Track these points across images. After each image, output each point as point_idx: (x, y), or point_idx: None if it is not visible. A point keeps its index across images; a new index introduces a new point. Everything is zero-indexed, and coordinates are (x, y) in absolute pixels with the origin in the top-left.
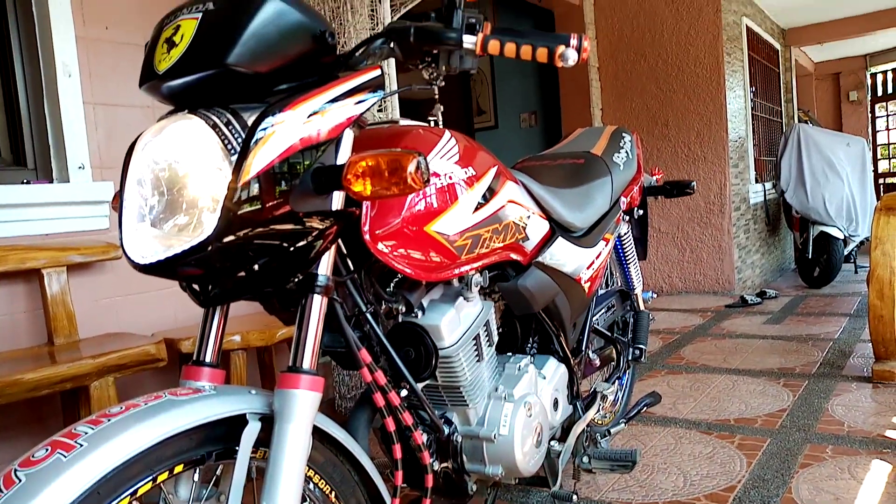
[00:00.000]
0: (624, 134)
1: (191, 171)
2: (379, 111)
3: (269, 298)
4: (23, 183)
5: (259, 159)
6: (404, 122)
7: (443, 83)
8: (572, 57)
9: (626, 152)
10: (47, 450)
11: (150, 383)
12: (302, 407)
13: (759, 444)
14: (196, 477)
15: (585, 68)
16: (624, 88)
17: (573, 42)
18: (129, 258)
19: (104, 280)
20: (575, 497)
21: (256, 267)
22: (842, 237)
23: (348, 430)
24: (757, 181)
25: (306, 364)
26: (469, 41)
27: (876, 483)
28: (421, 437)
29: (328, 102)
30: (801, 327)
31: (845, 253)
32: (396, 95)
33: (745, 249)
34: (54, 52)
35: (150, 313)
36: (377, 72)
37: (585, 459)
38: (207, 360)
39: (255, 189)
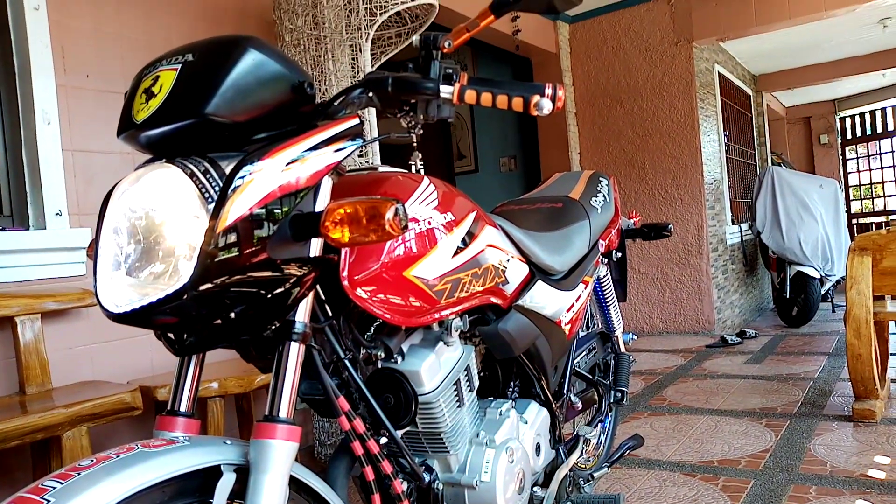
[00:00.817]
0: (601, 178)
1: (167, 219)
2: (360, 157)
3: (245, 346)
4: None
5: (237, 207)
6: (384, 168)
7: (421, 131)
8: (547, 106)
9: (604, 196)
10: None
11: (126, 432)
12: (278, 457)
13: (744, 485)
14: None
15: (563, 114)
16: (601, 133)
17: (548, 91)
18: (102, 307)
19: (79, 327)
20: None
21: (233, 315)
22: (818, 276)
23: (327, 479)
24: (733, 222)
25: (283, 413)
26: (446, 91)
27: None
28: (401, 486)
29: (307, 151)
30: (781, 367)
31: (822, 292)
32: (377, 142)
33: (723, 290)
34: (34, 99)
35: (126, 361)
36: (356, 120)
37: None
38: (182, 409)
39: (232, 237)
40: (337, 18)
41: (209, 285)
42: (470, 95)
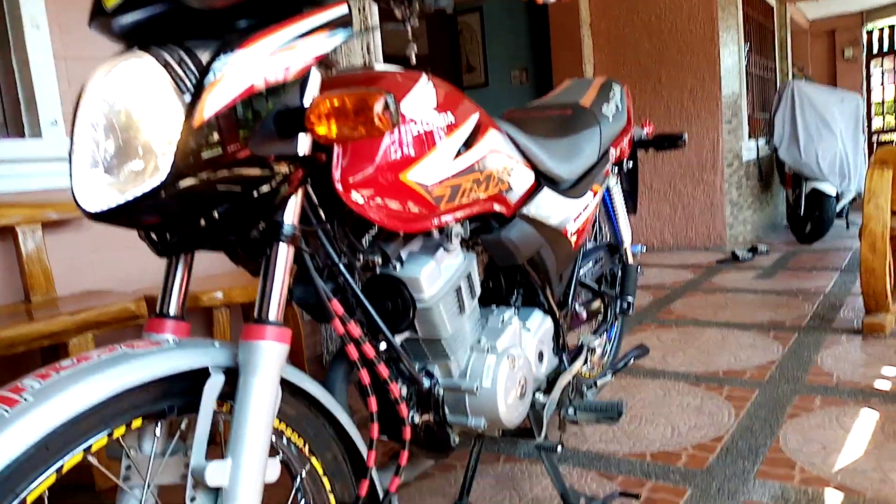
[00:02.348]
0: (614, 85)
1: (143, 112)
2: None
3: (233, 248)
4: None
5: (214, 99)
6: (381, 66)
7: (416, 23)
8: None
9: (616, 104)
10: None
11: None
12: (268, 359)
13: (748, 395)
14: (159, 431)
15: (577, 24)
16: (616, 44)
17: None
18: (80, 206)
19: (82, 237)
20: (560, 448)
21: (216, 214)
22: (834, 193)
23: (326, 384)
24: (750, 138)
25: (272, 315)
26: None
27: (863, 432)
28: (398, 390)
29: (290, 39)
30: (792, 282)
31: (837, 209)
32: (380, 50)
33: (737, 206)
34: (20, 3)
35: (131, 270)
36: (343, 8)
37: (571, 411)
38: (171, 312)
39: (212, 131)
40: None
41: (189, 182)
42: None
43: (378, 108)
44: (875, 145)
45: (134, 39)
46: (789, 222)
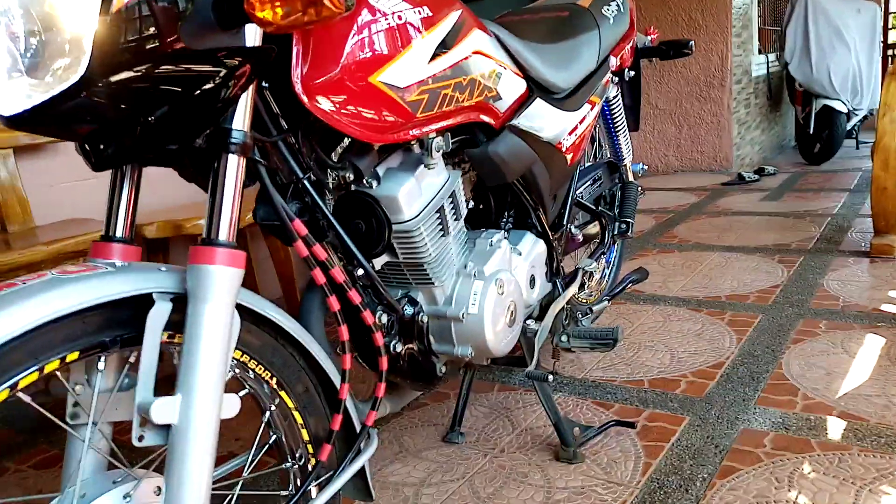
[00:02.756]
0: None
1: (56, 1)
2: None
3: (180, 162)
4: None
5: None
6: None
7: None
8: None
9: (618, 5)
10: None
11: None
12: (219, 284)
13: (751, 320)
14: (102, 365)
15: None
16: None
17: None
18: None
19: (59, 163)
20: (551, 377)
21: (153, 119)
22: (845, 111)
23: (300, 314)
24: (760, 52)
25: (222, 235)
26: None
27: (868, 357)
28: (371, 317)
29: None
30: (798, 203)
31: (848, 128)
32: None
33: (744, 125)
34: None
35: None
36: None
37: (564, 338)
38: (118, 234)
39: (135, 18)
40: None
41: (112, 78)
42: None
43: None
44: (891, 59)
45: None
46: (798, 142)
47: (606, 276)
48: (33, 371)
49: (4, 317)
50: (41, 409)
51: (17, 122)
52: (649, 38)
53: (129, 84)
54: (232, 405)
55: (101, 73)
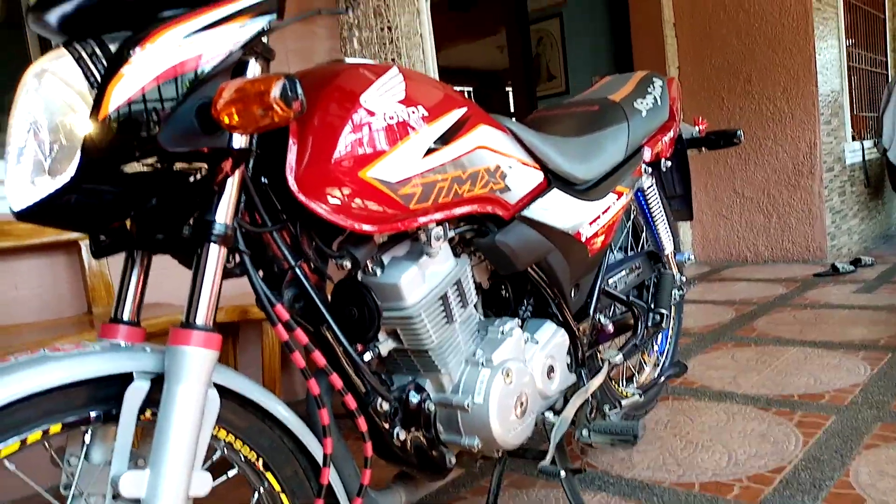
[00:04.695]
0: (655, 79)
1: (62, 108)
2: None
3: (175, 250)
4: None
5: (118, 92)
6: (352, 60)
7: (359, 5)
8: None
9: (655, 98)
10: None
11: None
12: (193, 365)
13: (822, 421)
14: (88, 438)
15: (660, 24)
16: (702, 44)
17: None
18: (10, 207)
19: None
20: (563, 473)
21: (142, 210)
22: None
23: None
24: (854, 139)
25: (200, 319)
26: None
27: None
28: (353, 402)
29: (202, 28)
30: (895, 296)
31: None
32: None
33: (839, 214)
34: None
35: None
36: None
37: (585, 433)
38: (125, 317)
39: (123, 125)
40: None
41: (101, 178)
42: None
43: (275, 92)
44: None
45: (70, 33)
46: None
47: (661, 367)
48: (14, 441)
49: None
50: (24, 478)
51: (27, 215)
52: (697, 128)
53: (119, 179)
54: (203, 483)
55: (87, 175)
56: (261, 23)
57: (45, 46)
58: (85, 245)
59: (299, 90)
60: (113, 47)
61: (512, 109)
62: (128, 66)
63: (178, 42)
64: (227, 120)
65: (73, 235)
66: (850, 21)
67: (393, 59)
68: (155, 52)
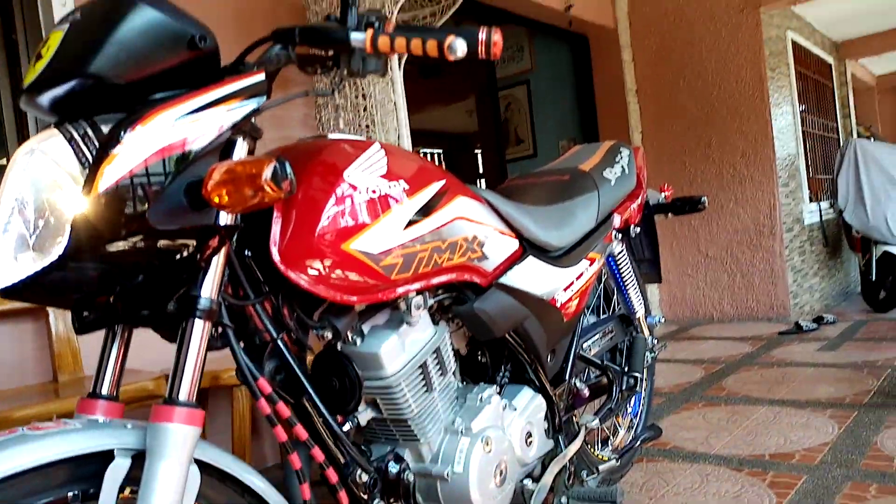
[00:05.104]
0: (622, 149)
1: (52, 187)
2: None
3: (159, 324)
4: None
5: (109, 172)
6: (334, 135)
7: (343, 87)
8: (461, 48)
9: (622, 167)
10: None
11: None
12: (176, 442)
13: (794, 481)
14: None
15: (623, 92)
16: (664, 110)
17: (481, 36)
18: None
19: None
20: None
21: (129, 287)
22: None
23: (285, 470)
24: (812, 200)
25: (182, 395)
26: (357, 39)
27: None
28: (335, 476)
29: (194, 111)
30: (858, 353)
31: None
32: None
33: (800, 273)
34: None
35: (163, 350)
36: (259, 76)
37: (564, 500)
38: (104, 391)
39: (113, 204)
40: None
41: (89, 255)
42: (383, 42)
43: (266, 174)
44: None
45: (60, 114)
46: (862, 289)
47: (635, 429)
48: None
49: None
50: None
51: (11, 292)
52: (663, 194)
53: (106, 257)
54: None
55: (80, 251)
56: (251, 105)
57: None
58: (52, 311)
59: (289, 171)
60: (105, 128)
61: (481, 170)
62: (121, 147)
63: (170, 123)
64: (217, 200)
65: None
66: (801, 88)
67: (367, 126)
68: (148, 133)
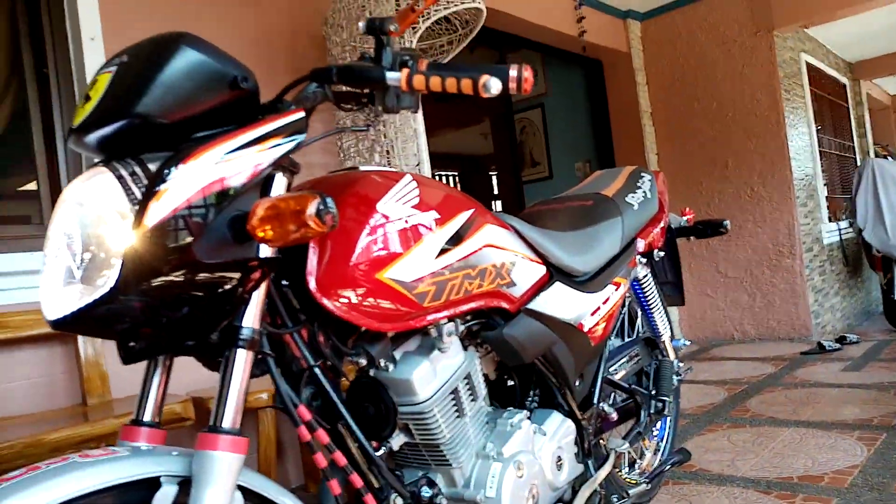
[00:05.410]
0: (643, 174)
1: (101, 223)
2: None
3: (201, 353)
4: None
5: (158, 208)
6: (366, 168)
7: (380, 125)
8: (495, 87)
9: (644, 192)
10: None
11: (186, 443)
12: (221, 470)
13: None
14: None
15: (638, 114)
16: (679, 132)
17: (512, 73)
18: (43, 315)
19: None
20: None
21: (175, 319)
22: None
23: (321, 493)
24: (831, 220)
25: (227, 423)
26: (392, 78)
27: None
28: (373, 502)
29: (238, 148)
30: (882, 374)
31: None
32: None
33: (821, 292)
34: None
35: (190, 373)
36: (299, 114)
37: None
38: (146, 418)
39: (162, 238)
40: None
41: (138, 289)
42: (419, 81)
43: (311, 210)
44: None
45: (107, 153)
46: (884, 308)
47: (661, 452)
48: None
49: (27, 496)
50: None
51: (61, 324)
52: (685, 218)
53: (153, 290)
54: None
55: (129, 285)
56: (293, 142)
57: None
58: (81, 336)
59: (332, 207)
60: (152, 166)
61: (496, 192)
62: (168, 184)
63: (215, 161)
64: (261, 234)
65: None
66: (816, 109)
67: (388, 151)
68: (194, 170)
